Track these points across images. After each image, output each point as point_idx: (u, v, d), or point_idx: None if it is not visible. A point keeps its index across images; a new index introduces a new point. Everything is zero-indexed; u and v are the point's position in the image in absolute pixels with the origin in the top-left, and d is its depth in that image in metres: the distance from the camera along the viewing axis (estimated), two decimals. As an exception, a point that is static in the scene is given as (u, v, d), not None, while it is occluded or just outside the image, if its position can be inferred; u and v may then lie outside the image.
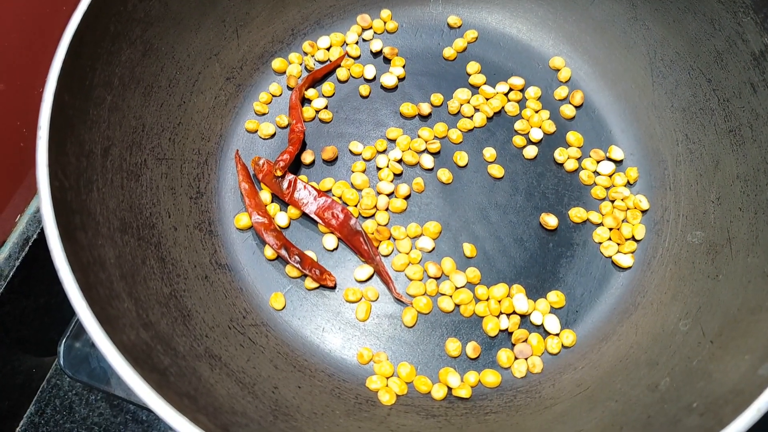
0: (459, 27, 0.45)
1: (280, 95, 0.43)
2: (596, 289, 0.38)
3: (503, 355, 0.36)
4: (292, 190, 0.39)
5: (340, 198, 0.40)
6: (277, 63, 0.43)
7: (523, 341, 0.36)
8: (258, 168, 0.40)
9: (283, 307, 0.37)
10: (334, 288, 0.38)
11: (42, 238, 0.42)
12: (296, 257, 0.37)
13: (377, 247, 0.38)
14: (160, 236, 0.35)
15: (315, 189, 0.39)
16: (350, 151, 0.41)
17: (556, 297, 0.37)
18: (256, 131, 0.42)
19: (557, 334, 0.37)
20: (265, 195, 0.40)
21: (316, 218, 0.39)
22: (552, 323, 0.37)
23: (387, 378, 0.35)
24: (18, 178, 0.42)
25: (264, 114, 0.42)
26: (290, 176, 0.39)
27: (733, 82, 0.36)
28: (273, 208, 0.40)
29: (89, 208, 0.31)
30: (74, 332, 0.42)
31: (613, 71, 0.43)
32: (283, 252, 0.37)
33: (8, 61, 0.38)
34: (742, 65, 0.36)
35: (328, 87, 0.43)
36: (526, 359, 0.36)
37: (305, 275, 0.38)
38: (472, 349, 0.36)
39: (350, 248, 0.39)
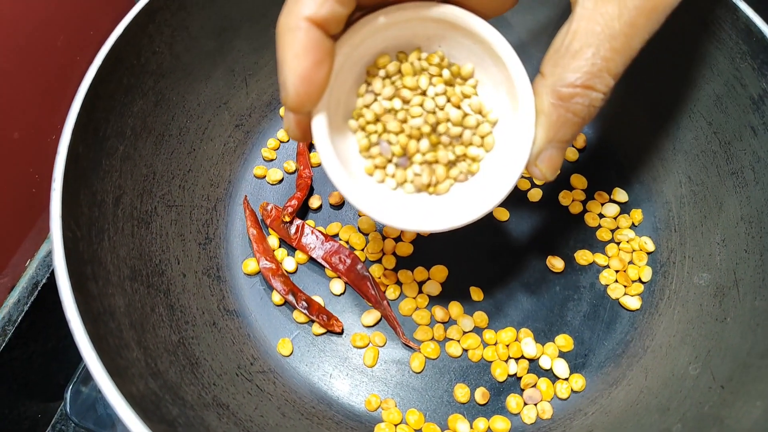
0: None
1: (288, 141, 0.44)
2: (604, 332, 0.38)
3: (512, 401, 0.36)
4: (300, 235, 0.39)
5: (347, 242, 0.40)
6: (284, 110, 0.44)
7: (532, 386, 0.36)
8: (266, 213, 0.40)
9: (291, 353, 0.37)
10: (341, 333, 0.38)
11: (50, 282, 0.42)
12: (304, 303, 0.37)
13: (384, 292, 0.38)
14: (169, 283, 0.35)
15: (322, 234, 0.39)
16: (357, 195, 0.42)
17: (564, 341, 0.37)
18: (265, 177, 0.42)
19: (566, 379, 0.36)
20: (273, 240, 0.40)
21: (323, 263, 0.39)
22: (561, 368, 0.36)
23: (395, 425, 0.35)
24: (29, 223, 0.43)
25: (272, 160, 0.43)
26: (298, 221, 0.40)
27: (734, 125, 0.37)
28: (281, 253, 0.40)
29: (100, 257, 0.32)
30: (82, 377, 0.42)
31: (613, 114, 0.44)
32: (290, 298, 0.37)
33: (24, 111, 0.39)
34: (742, 109, 0.36)
35: (334, 132, 0.44)
36: (535, 405, 0.36)
37: (312, 321, 0.38)
38: (480, 395, 0.36)
39: (357, 293, 0.39)
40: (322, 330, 0.37)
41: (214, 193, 0.41)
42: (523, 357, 0.37)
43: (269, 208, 0.40)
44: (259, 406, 0.34)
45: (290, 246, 0.40)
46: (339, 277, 0.39)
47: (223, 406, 0.32)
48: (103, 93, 0.33)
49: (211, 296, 0.37)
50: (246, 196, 0.41)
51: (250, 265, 0.39)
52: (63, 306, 0.28)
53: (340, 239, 0.40)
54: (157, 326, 0.33)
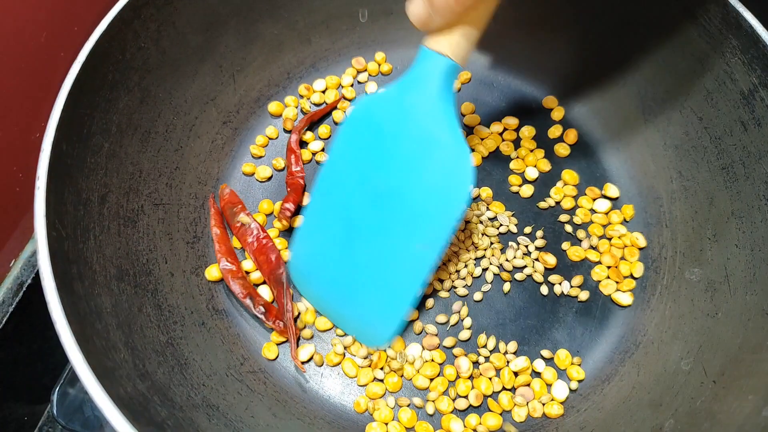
0: (452, 68, 0.46)
1: (277, 138, 0.43)
2: (597, 328, 0.38)
3: (504, 398, 0.35)
4: (242, 223, 0.39)
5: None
6: (273, 106, 0.44)
7: (526, 385, 0.36)
8: (221, 195, 0.40)
9: (276, 357, 0.37)
10: (297, 343, 0.37)
11: (36, 283, 0.42)
12: (261, 308, 0.36)
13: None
14: (157, 283, 0.35)
15: (263, 230, 0.39)
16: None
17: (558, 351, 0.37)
18: (253, 174, 0.42)
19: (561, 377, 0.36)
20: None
21: (251, 256, 0.38)
22: (560, 389, 0.36)
23: (386, 424, 0.35)
24: (13, 223, 0.42)
25: (261, 157, 0.43)
26: (244, 211, 0.39)
27: (724, 120, 0.37)
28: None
29: (86, 256, 0.31)
30: (69, 378, 0.42)
31: (605, 110, 0.44)
32: (248, 301, 0.37)
33: (7, 109, 0.39)
34: (732, 103, 0.36)
35: (324, 129, 0.44)
36: (527, 404, 0.35)
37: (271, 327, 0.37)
38: (474, 397, 0.35)
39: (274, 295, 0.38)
40: (282, 339, 0.37)
41: (201, 191, 0.40)
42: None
43: (226, 191, 0.40)
44: (250, 407, 0.33)
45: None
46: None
47: (213, 407, 0.32)
48: (87, 89, 0.33)
49: (200, 295, 0.37)
50: (212, 194, 0.40)
51: (213, 272, 0.38)
52: (48, 307, 0.27)
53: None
54: (144, 327, 0.32)
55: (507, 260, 0.39)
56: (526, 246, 0.40)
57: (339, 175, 0.34)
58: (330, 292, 0.35)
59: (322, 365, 0.36)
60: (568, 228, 0.41)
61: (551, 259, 0.39)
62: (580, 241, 0.40)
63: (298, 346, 0.36)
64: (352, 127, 0.33)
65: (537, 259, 0.39)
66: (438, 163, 0.30)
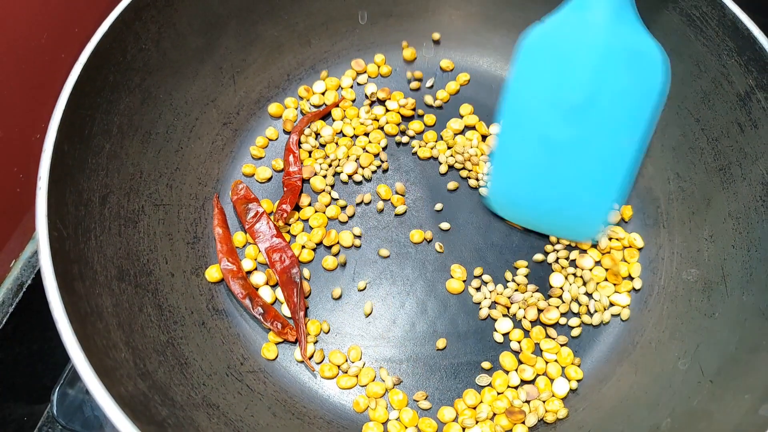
0: (451, 70, 0.46)
1: (276, 139, 0.44)
2: (594, 328, 0.38)
3: (509, 394, 0.36)
4: (255, 221, 0.39)
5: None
6: (273, 108, 0.44)
7: (531, 382, 0.36)
8: (235, 191, 0.40)
9: (276, 357, 0.37)
10: (295, 342, 0.37)
11: (36, 283, 0.42)
12: (260, 309, 0.37)
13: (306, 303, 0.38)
14: (157, 283, 0.35)
15: (276, 228, 0.39)
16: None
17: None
18: (253, 175, 0.42)
19: (563, 375, 0.36)
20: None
21: (264, 255, 0.39)
22: (560, 386, 0.36)
23: (383, 423, 0.35)
24: (13, 223, 0.42)
25: (260, 158, 0.43)
26: (260, 208, 0.39)
27: (721, 121, 0.37)
28: (253, 249, 0.39)
29: (87, 256, 0.31)
30: (68, 379, 0.42)
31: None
32: (247, 302, 0.37)
33: (7, 110, 0.39)
34: (729, 105, 0.36)
35: (326, 130, 0.44)
36: (528, 402, 0.36)
37: (269, 328, 0.37)
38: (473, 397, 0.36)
39: (283, 295, 0.38)
40: (280, 339, 0.37)
41: (202, 191, 0.40)
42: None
43: (240, 187, 0.40)
44: (250, 406, 0.34)
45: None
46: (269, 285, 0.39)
47: (213, 406, 0.32)
48: (88, 90, 0.33)
49: (200, 296, 0.37)
50: (216, 194, 0.41)
51: (214, 273, 0.38)
52: (50, 306, 0.28)
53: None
54: (145, 326, 0.33)
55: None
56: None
57: (526, 98, 0.36)
58: (535, 203, 0.39)
59: (321, 361, 0.37)
60: (566, 229, 0.41)
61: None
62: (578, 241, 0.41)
63: (304, 347, 0.36)
64: (531, 54, 0.35)
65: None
66: (630, 64, 0.33)
